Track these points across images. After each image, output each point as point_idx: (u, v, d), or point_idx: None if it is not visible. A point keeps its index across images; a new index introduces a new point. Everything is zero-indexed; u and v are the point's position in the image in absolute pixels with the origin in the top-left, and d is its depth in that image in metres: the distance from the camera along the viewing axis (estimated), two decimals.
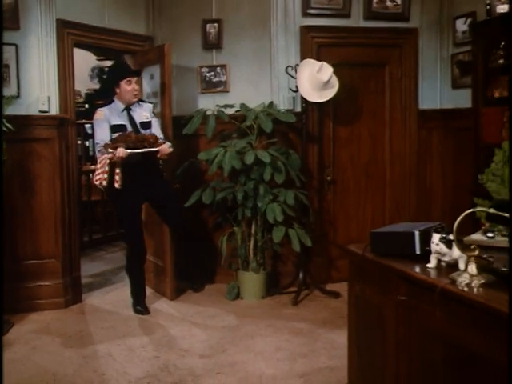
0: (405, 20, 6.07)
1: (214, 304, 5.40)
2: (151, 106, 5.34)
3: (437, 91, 6.22)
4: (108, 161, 4.79)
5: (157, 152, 4.95)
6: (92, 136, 5.46)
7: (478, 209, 2.75)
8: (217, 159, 5.37)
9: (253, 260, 5.54)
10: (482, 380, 2.31)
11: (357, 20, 5.96)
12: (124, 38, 5.98)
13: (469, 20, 5.70)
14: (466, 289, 2.41)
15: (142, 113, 5.17)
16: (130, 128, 5.06)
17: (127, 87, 5.07)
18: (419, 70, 6.17)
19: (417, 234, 2.87)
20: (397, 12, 6.02)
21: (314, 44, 5.84)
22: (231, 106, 5.74)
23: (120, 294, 5.78)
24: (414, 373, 2.76)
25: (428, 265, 2.74)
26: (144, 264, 5.38)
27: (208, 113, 5.60)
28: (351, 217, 6.07)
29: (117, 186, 4.83)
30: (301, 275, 5.57)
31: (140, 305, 5.27)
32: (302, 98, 5.51)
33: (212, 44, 6.00)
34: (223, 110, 5.66)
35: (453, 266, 2.65)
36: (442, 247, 2.69)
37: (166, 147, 5.00)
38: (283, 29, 5.79)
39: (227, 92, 5.97)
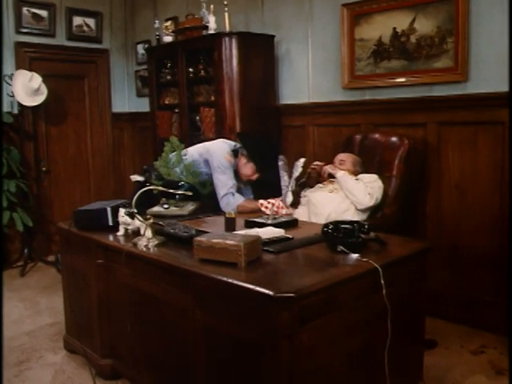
0: (98, 42, 5.84)
1: None
2: None
3: (125, 98, 6.16)
4: None
5: None
6: None
7: (152, 187, 2.78)
8: None
9: None
10: (155, 312, 2.38)
11: (61, 39, 5.54)
12: None
13: (146, 45, 5.74)
14: (144, 249, 2.44)
15: None
16: None
17: None
18: (111, 81, 6.02)
19: (109, 209, 2.81)
20: (92, 35, 5.76)
21: (27, 57, 5.28)
22: None
23: None
24: (112, 316, 2.74)
25: (117, 233, 2.71)
26: None
27: None
28: (64, 199, 5.67)
29: None
30: (26, 251, 5.09)
31: None
32: (18, 102, 4.99)
33: None
34: None
35: (137, 232, 2.65)
36: (127, 218, 2.67)
37: None
38: None
39: None
